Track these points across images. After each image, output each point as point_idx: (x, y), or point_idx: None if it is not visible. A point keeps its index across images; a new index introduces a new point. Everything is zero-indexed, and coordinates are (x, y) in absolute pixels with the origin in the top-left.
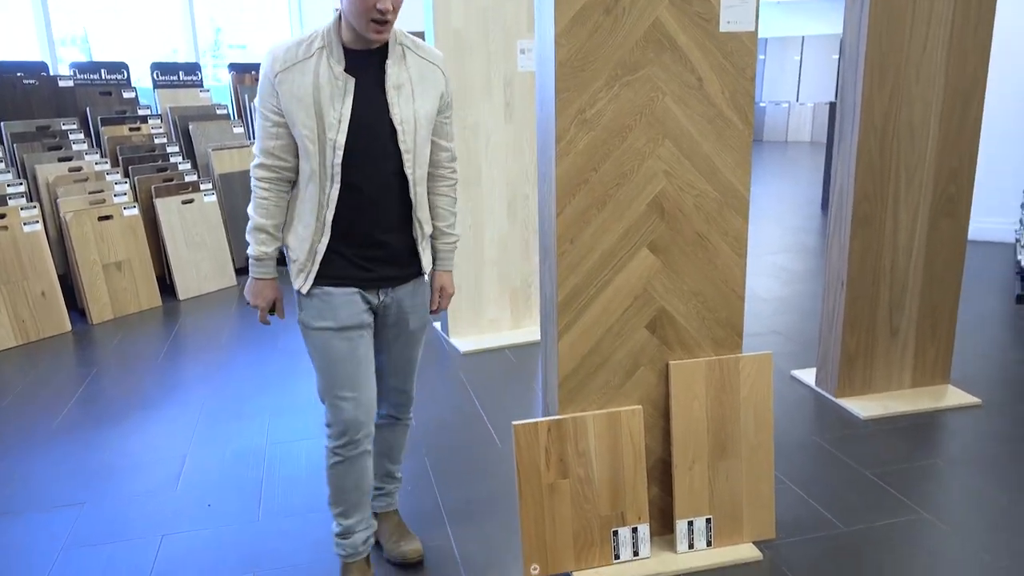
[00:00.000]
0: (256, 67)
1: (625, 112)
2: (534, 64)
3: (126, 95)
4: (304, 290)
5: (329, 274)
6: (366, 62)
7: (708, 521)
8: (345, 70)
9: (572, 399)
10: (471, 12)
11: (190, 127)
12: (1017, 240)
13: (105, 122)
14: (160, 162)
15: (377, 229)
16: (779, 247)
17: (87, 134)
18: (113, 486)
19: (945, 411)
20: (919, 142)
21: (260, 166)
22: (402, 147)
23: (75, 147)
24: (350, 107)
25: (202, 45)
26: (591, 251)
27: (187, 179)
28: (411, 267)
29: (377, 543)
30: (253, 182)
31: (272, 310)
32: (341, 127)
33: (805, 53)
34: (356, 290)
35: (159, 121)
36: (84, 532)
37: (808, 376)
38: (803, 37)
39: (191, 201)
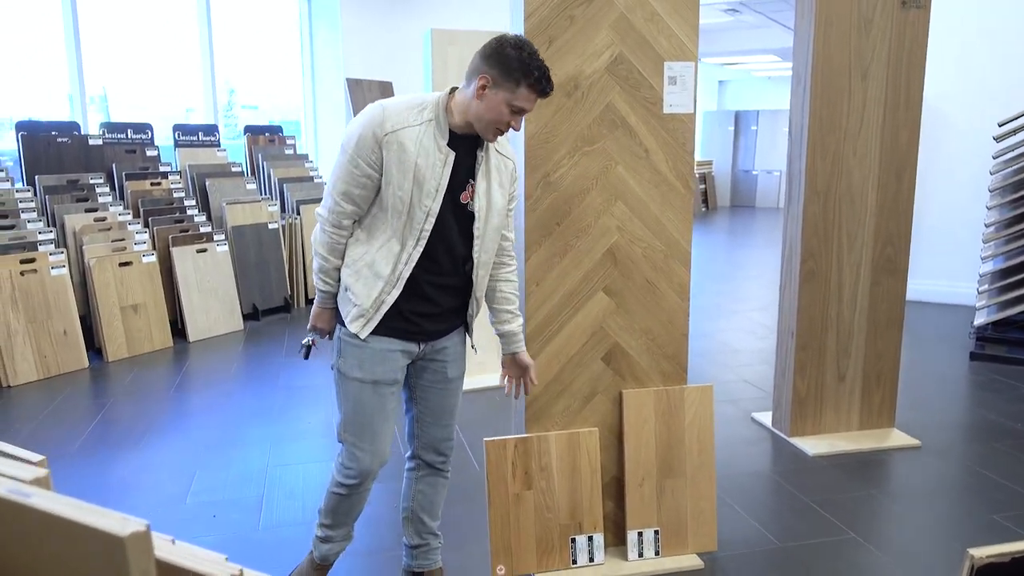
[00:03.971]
0: (268, 129)
1: (584, 177)
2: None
3: (149, 153)
4: (363, 335)
5: (382, 324)
6: (463, 144)
7: (656, 533)
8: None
9: (537, 420)
10: None
11: (207, 183)
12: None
13: (129, 177)
14: (178, 214)
15: (438, 293)
16: (759, 305)
17: (112, 188)
18: (128, 499)
19: (887, 451)
20: (858, 208)
21: (342, 214)
22: (475, 232)
23: (101, 199)
24: (448, 179)
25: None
26: (554, 292)
27: (202, 230)
28: (454, 322)
29: None
30: (328, 227)
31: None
32: (437, 196)
33: None
34: (399, 344)
35: (178, 177)
36: None
37: (766, 418)
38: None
39: (205, 251)
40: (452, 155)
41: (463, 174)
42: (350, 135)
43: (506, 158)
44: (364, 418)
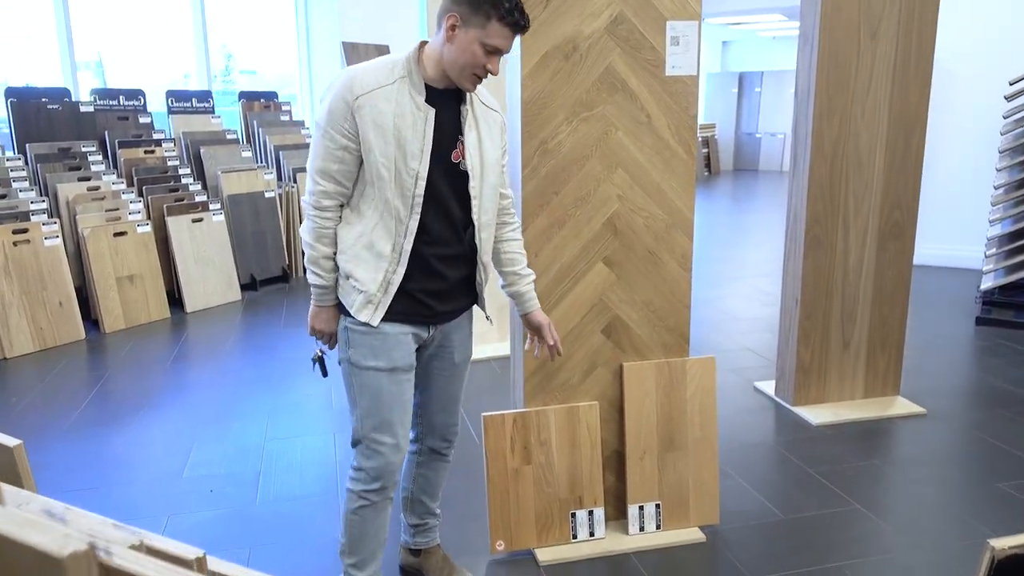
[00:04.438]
0: (264, 95)
1: (583, 144)
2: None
3: (142, 120)
4: (374, 323)
5: (391, 308)
6: (442, 99)
7: (657, 506)
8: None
9: (536, 394)
10: None
11: (201, 151)
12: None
13: (122, 145)
14: (172, 183)
15: (444, 266)
16: (763, 272)
17: (105, 156)
18: (124, 474)
19: (892, 419)
20: (866, 171)
21: (322, 193)
22: (471, 191)
23: (94, 168)
24: (431, 138)
25: (213, 69)
26: (553, 263)
27: (197, 199)
28: (464, 301)
29: None
30: (311, 211)
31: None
32: (423, 158)
33: None
34: (409, 329)
35: (172, 145)
36: (96, 512)
37: (769, 387)
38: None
39: (200, 220)
40: (432, 112)
41: (449, 132)
42: (322, 109)
43: (492, 110)
44: (384, 410)
